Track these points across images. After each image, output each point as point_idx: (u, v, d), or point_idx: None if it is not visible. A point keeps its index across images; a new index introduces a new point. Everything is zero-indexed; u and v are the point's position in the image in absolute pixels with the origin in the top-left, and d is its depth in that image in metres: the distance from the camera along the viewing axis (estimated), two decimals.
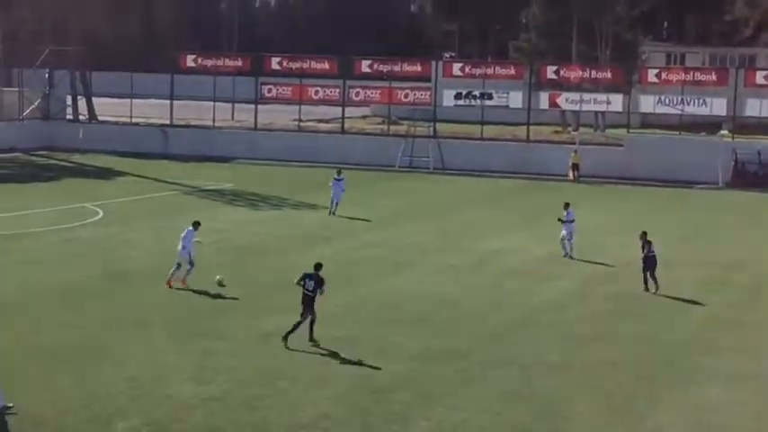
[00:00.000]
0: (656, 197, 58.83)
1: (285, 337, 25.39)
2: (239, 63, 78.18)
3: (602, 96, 72.54)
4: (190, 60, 77.83)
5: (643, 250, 33.22)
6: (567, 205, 39.33)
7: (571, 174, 65.49)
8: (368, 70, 74.90)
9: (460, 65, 76.33)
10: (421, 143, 69.79)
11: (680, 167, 64.75)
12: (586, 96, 72.65)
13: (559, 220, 38.96)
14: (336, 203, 48.18)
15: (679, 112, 69.65)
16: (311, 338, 25.59)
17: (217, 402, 21.20)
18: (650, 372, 24.35)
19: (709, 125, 76.67)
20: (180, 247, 31.69)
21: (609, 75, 73.25)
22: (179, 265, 31.61)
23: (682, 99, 68.67)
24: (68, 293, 30.60)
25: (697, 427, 20.67)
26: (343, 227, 44.17)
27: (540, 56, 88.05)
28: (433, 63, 77.63)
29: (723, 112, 69.53)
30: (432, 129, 71.39)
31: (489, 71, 73.39)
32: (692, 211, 52.85)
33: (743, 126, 73.78)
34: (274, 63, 76.17)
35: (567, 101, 73.11)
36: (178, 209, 48.57)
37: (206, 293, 30.83)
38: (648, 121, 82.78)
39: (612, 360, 25.21)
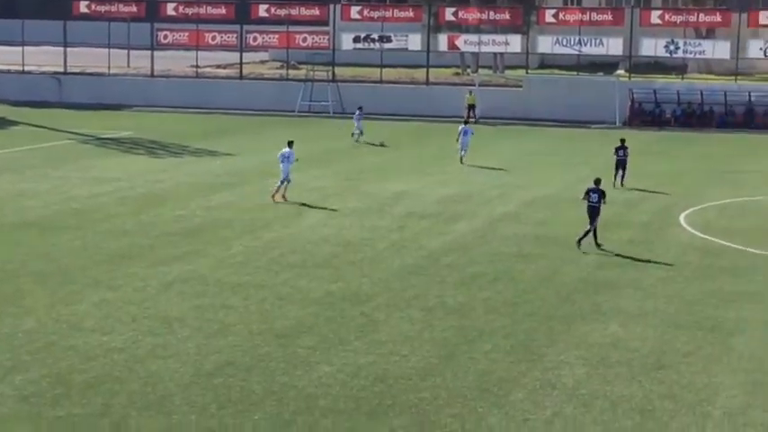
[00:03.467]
0: (555, 137, 59.41)
1: (578, 243, 30.49)
2: (134, 9, 76.83)
3: (500, 37, 72.85)
4: (83, 6, 76.27)
5: (616, 153, 41.65)
6: (465, 122, 49.78)
7: (466, 114, 65.85)
8: (265, 15, 74.16)
9: (358, 8, 76.01)
10: (320, 87, 69.51)
11: (578, 107, 65.52)
12: (485, 38, 73.00)
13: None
14: (361, 133, 54.32)
15: (576, 52, 70.30)
16: (597, 243, 30.63)
17: (119, 353, 20.98)
18: (550, 311, 24.69)
19: (607, 65, 77.60)
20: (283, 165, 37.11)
21: (507, 16, 73.42)
22: (282, 181, 37.00)
23: (579, 39, 69.27)
24: None
25: (596, 364, 21.01)
26: (245, 172, 43.86)
27: None
28: (331, 6, 77.16)
29: (619, 52, 70.42)
30: (331, 73, 71.10)
31: (388, 14, 73.26)
32: (591, 151, 53.41)
33: (639, 66, 74.78)
34: (170, 9, 74.94)
35: (465, 42, 73.37)
36: (74, 158, 47.81)
37: (104, 243, 30.49)
38: (547, 62, 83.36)
39: (513, 300, 25.50)
